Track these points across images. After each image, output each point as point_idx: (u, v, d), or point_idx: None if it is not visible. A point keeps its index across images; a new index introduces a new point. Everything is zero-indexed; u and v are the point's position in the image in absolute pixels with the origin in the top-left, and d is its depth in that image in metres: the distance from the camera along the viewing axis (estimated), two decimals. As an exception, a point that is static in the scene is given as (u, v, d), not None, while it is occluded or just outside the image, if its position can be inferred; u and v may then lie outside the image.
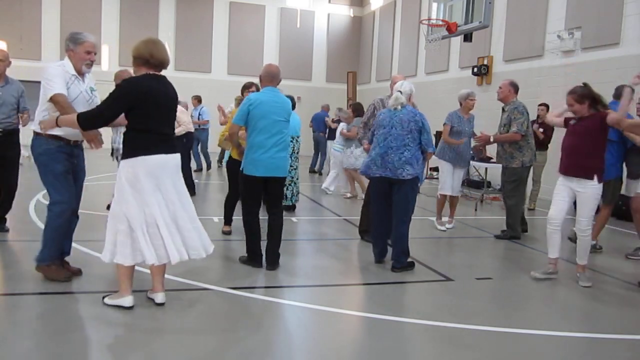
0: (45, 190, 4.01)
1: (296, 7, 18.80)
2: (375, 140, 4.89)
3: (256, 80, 5.30)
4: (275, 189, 4.74)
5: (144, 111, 3.42)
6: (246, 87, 6.08)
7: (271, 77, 4.68)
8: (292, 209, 7.71)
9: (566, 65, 9.91)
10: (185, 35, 17.77)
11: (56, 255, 4.00)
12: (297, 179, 7.65)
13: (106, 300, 3.57)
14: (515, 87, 6.39)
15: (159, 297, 3.63)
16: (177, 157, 3.61)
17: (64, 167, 3.91)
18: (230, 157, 5.79)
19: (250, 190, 4.67)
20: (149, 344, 3.08)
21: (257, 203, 4.73)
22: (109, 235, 3.46)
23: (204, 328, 3.34)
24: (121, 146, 3.63)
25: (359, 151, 8.77)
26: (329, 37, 19.48)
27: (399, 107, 4.80)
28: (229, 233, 5.90)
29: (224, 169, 9.91)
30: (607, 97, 9.08)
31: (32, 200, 7.08)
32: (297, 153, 7.55)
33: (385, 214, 4.92)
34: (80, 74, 3.93)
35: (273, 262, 4.68)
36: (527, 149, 6.22)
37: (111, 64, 16.99)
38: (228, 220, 5.97)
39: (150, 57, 3.48)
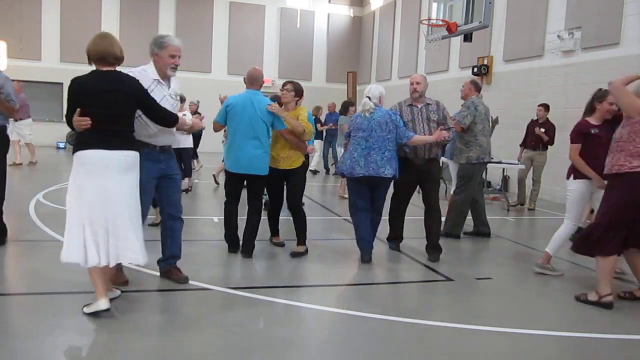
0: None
1: (296, 7, 18.80)
2: (355, 142, 5.00)
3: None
4: (255, 186, 5.02)
5: (83, 108, 3.34)
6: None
7: (252, 80, 4.97)
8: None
9: (566, 65, 9.91)
10: (185, 35, 17.72)
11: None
12: None
13: (85, 309, 3.40)
14: (475, 86, 6.64)
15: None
16: (125, 154, 3.43)
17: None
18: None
19: (231, 185, 5.03)
20: (148, 344, 3.08)
21: (237, 196, 5.06)
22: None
23: (204, 328, 3.34)
24: None
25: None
26: (329, 37, 19.49)
27: (367, 114, 4.96)
28: (281, 245, 5.46)
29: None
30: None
31: (32, 200, 7.09)
32: None
33: (369, 215, 5.12)
34: (165, 77, 3.89)
35: (247, 252, 4.98)
36: (475, 146, 6.23)
37: (111, 64, 17.00)
38: (275, 231, 5.56)
39: (88, 53, 3.44)
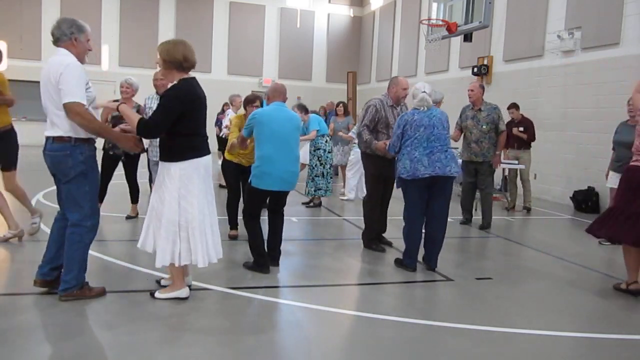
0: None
1: (296, 7, 18.80)
2: (415, 141, 4.69)
3: (254, 88, 5.39)
4: (281, 200, 4.79)
5: (193, 115, 3.61)
6: (249, 102, 5.58)
7: (278, 93, 4.72)
8: (319, 204, 8.24)
9: (566, 65, 9.90)
10: (185, 35, 17.73)
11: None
12: (328, 173, 8.18)
13: (158, 294, 3.72)
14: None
15: (188, 280, 3.90)
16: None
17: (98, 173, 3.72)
18: (224, 158, 5.72)
19: (257, 202, 4.68)
20: (147, 343, 3.08)
21: (260, 210, 4.73)
22: (166, 238, 3.58)
23: (204, 328, 3.34)
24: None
25: (346, 149, 9.60)
26: (329, 37, 19.48)
27: (424, 108, 4.78)
28: (235, 237, 5.68)
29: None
30: (609, 96, 9.08)
31: (32, 201, 7.07)
32: (330, 152, 8.14)
33: (422, 219, 4.88)
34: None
35: (274, 259, 4.74)
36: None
37: (111, 63, 17.00)
38: (234, 225, 5.74)
39: (188, 59, 3.61)
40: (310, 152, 8.13)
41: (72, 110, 3.34)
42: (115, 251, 5.09)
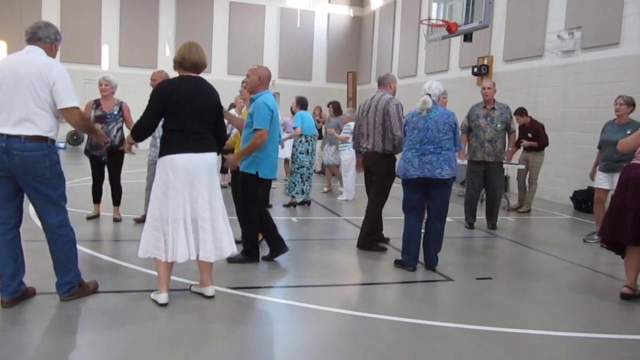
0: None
1: (296, 7, 18.80)
2: (409, 142, 4.78)
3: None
4: (269, 187, 5.08)
5: (175, 111, 3.60)
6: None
7: (268, 79, 4.78)
8: (308, 203, 8.24)
9: (566, 65, 9.90)
10: (185, 35, 17.75)
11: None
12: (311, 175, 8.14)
13: (153, 296, 3.71)
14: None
15: (210, 290, 3.81)
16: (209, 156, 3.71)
17: None
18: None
19: (259, 191, 4.82)
20: (146, 343, 3.08)
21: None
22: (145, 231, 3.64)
23: (203, 328, 3.34)
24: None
25: (333, 149, 9.62)
26: (329, 37, 19.48)
27: (424, 113, 4.72)
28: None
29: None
30: (608, 96, 9.09)
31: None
32: (303, 153, 7.93)
33: (419, 219, 4.90)
34: None
35: (285, 247, 4.97)
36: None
37: (111, 63, 17.00)
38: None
39: (182, 60, 3.71)
40: (312, 153, 8.13)
41: (76, 113, 3.44)
42: (115, 251, 5.09)
